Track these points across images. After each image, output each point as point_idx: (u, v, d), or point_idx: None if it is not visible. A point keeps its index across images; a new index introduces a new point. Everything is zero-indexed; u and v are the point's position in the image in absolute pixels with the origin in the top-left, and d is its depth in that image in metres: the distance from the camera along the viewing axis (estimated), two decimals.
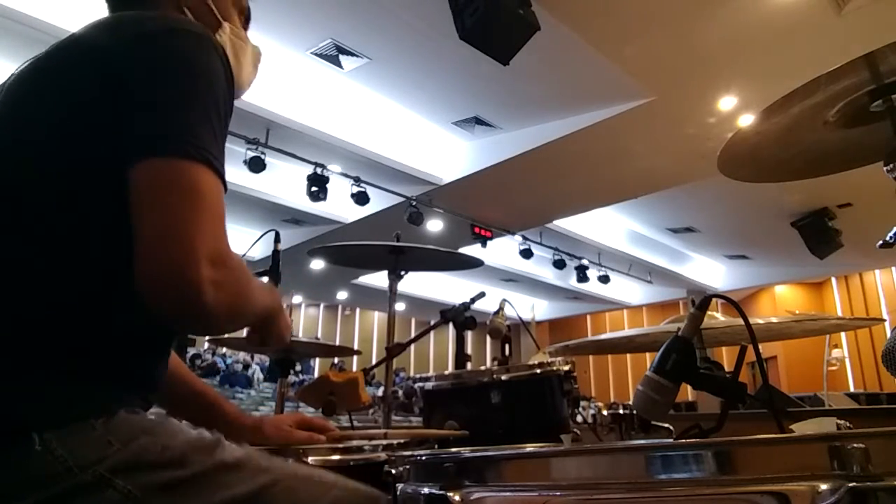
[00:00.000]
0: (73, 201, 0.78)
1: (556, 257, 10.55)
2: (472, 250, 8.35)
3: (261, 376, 14.94)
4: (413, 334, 2.61)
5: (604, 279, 11.49)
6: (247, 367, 14.95)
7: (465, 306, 1.96)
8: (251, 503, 0.80)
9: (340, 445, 1.21)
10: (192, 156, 0.75)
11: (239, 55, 1.06)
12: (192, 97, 0.79)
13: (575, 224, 9.59)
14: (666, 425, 1.31)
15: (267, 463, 0.86)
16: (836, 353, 7.05)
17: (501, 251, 10.48)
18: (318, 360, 14.49)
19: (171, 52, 0.81)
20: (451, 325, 1.95)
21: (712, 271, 12.46)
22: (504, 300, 2.04)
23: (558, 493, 0.71)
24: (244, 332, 1.00)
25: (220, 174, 0.78)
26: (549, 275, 11.85)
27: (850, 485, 0.53)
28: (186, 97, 0.79)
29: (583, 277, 11.11)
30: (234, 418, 1.18)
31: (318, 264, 9.64)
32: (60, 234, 0.78)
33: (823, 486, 0.54)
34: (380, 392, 2.03)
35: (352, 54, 5.70)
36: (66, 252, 0.78)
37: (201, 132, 0.77)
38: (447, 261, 2.58)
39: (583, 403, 1.63)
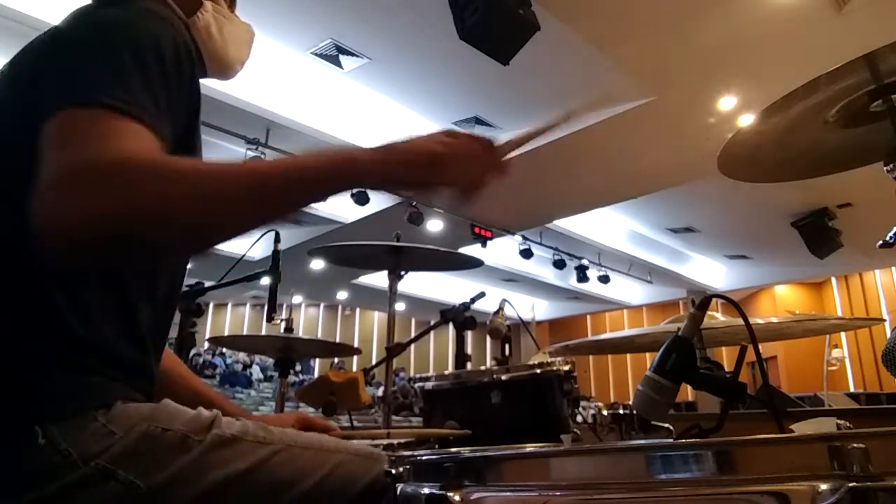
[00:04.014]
0: None
1: (556, 257, 10.55)
2: (472, 250, 8.35)
3: (261, 376, 14.95)
4: (413, 334, 2.62)
5: (604, 279, 11.49)
6: (246, 367, 14.96)
7: (465, 306, 1.97)
8: (253, 476, 0.81)
9: None
10: (73, 104, 0.71)
11: (224, 32, 1.05)
12: (99, 53, 0.77)
13: (575, 224, 9.58)
14: (666, 425, 1.31)
15: (265, 434, 0.86)
16: (836, 353, 7.05)
17: (501, 251, 10.48)
18: (318, 360, 14.50)
19: (92, 22, 0.82)
20: (451, 325, 1.95)
21: (712, 271, 12.46)
22: (504, 300, 2.04)
23: (558, 493, 0.71)
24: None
25: (109, 105, 0.71)
26: (549, 275, 11.85)
27: (850, 485, 0.53)
28: (91, 55, 0.77)
29: (583, 277, 11.10)
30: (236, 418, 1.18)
31: (318, 264, 9.64)
32: None
33: (823, 486, 0.54)
34: (380, 392, 2.03)
35: (352, 54, 5.70)
36: None
37: (97, 78, 0.73)
38: (447, 261, 2.58)
39: (583, 403, 1.63)
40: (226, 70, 1.09)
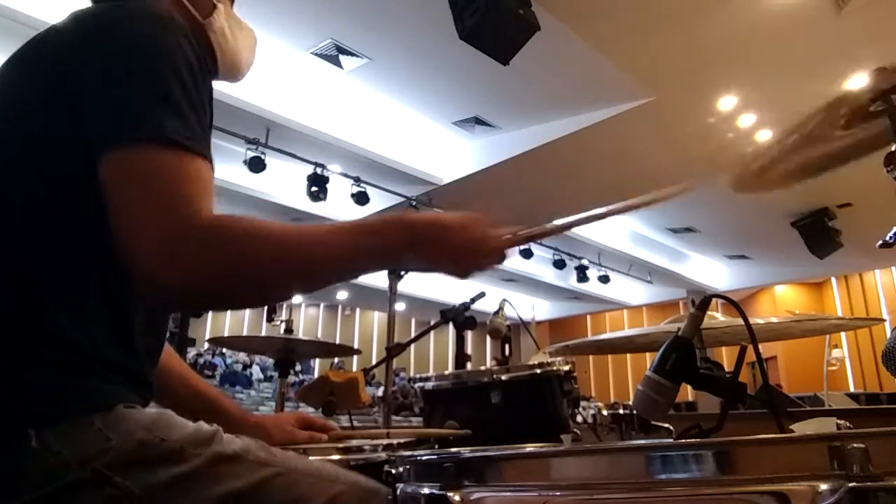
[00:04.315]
0: (60, 200, 0.78)
1: (556, 257, 10.55)
2: None
3: (261, 376, 14.95)
4: (413, 334, 2.62)
5: (604, 279, 11.49)
6: (246, 367, 14.96)
7: (465, 306, 1.96)
8: (250, 496, 0.79)
9: (341, 445, 1.21)
10: (139, 139, 0.73)
11: (237, 36, 1.04)
12: (144, 77, 0.77)
13: None
14: (666, 425, 1.31)
15: (266, 455, 0.85)
16: (836, 353, 7.05)
17: None
18: (318, 360, 14.50)
19: (121, 39, 0.79)
20: (451, 325, 1.95)
21: (712, 271, 12.46)
22: (504, 300, 2.04)
23: (558, 493, 0.71)
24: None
25: (176, 142, 0.74)
26: (549, 275, 11.85)
27: (850, 485, 0.53)
28: (137, 79, 0.77)
29: (583, 277, 11.11)
30: (236, 417, 1.18)
31: None
32: (49, 231, 0.78)
33: (823, 486, 0.54)
34: (380, 392, 2.03)
35: (352, 54, 5.70)
36: (56, 249, 0.78)
37: (154, 110, 0.74)
38: None
39: (583, 403, 1.63)
40: (236, 73, 1.07)
